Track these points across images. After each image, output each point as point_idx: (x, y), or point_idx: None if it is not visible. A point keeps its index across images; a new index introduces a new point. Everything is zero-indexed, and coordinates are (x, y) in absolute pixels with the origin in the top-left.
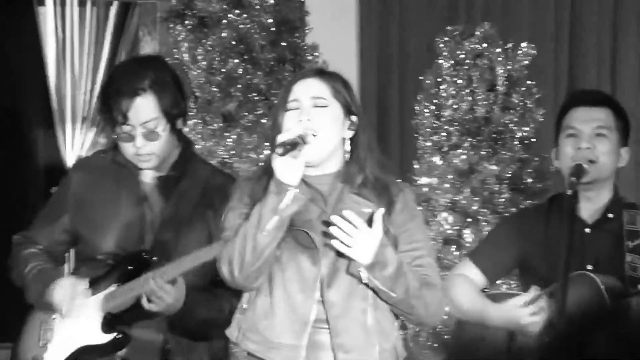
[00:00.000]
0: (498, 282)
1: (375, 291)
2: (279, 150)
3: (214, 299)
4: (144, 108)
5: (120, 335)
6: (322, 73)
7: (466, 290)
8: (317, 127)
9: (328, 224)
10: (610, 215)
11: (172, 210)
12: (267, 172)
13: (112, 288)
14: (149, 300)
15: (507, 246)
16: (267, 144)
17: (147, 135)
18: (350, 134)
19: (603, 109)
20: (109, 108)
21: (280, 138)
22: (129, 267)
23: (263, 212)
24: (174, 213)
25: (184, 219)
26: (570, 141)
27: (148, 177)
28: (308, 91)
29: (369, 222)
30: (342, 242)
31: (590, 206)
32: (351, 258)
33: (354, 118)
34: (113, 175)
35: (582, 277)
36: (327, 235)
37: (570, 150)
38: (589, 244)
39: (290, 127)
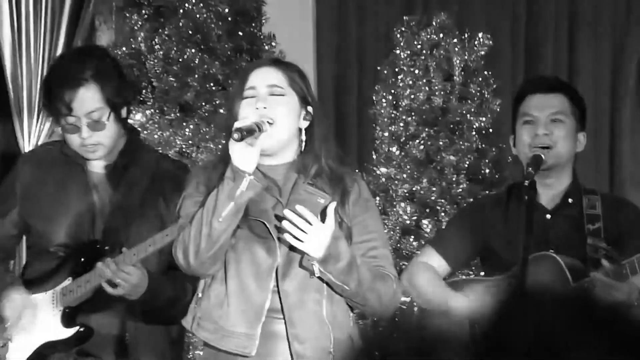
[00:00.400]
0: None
1: (328, 284)
2: (236, 135)
3: (176, 279)
4: (88, 98)
5: (82, 329)
6: (279, 62)
7: (429, 279)
8: (273, 115)
9: (281, 217)
10: (570, 201)
11: (121, 198)
12: (223, 160)
13: (67, 282)
14: (114, 285)
15: (469, 234)
16: (224, 133)
17: (92, 125)
18: (306, 124)
19: (558, 94)
20: (52, 100)
21: (237, 124)
22: (81, 259)
23: (219, 198)
24: (123, 201)
25: (134, 206)
26: (527, 128)
27: (96, 166)
28: (264, 80)
29: (323, 212)
30: (294, 236)
31: (550, 192)
32: (304, 252)
33: (309, 108)
34: (61, 166)
35: (543, 257)
36: (280, 229)
37: (527, 137)
38: (550, 230)
39: (247, 114)
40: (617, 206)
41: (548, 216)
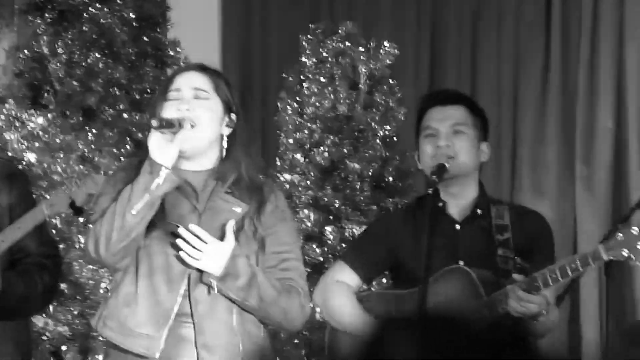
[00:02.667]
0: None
1: None
2: (154, 122)
3: (25, 274)
4: None
5: None
6: (206, 68)
7: (344, 304)
8: (196, 118)
9: (174, 235)
10: (479, 211)
11: None
12: (142, 162)
13: None
14: None
15: (379, 246)
16: (128, 138)
17: None
18: (228, 131)
19: (458, 106)
20: None
21: (159, 115)
22: None
23: (134, 190)
24: None
25: None
26: (429, 140)
27: None
28: (190, 83)
29: (240, 223)
30: (188, 255)
31: (458, 203)
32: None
33: (233, 116)
34: None
35: (455, 270)
36: (175, 246)
37: (430, 149)
38: (460, 241)
39: (170, 113)
40: (525, 216)
41: (457, 227)
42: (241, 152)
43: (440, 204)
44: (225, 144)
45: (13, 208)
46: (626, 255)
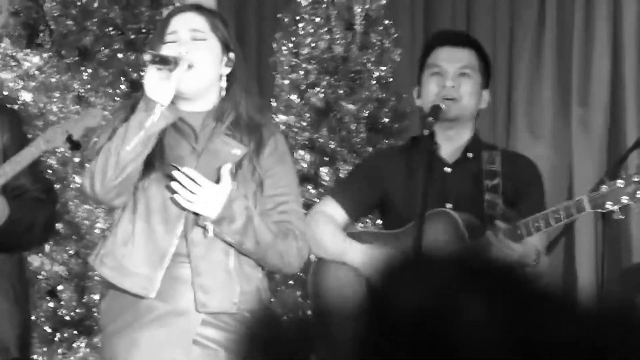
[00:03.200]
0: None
1: None
2: (147, 56)
3: (26, 206)
4: None
5: None
6: (201, 8)
7: (328, 230)
8: (194, 59)
9: (171, 177)
10: (470, 155)
11: None
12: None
13: None
14: None
15: (369, 184)
16: (123, 78)
17: None
18: (227, 70)
19: (467, 49)
20: None
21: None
22: None
23: (129, 127)
24: None
25: None
26: (435, 79)
27: None
28: (186, 24)
29: (239, 165)
30: (183, 198)
31: (451, 145)
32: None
33: (231, 55)
34: None
35: (440, 213)
36: (171, 188)
37: (435, 88)
38: (449, 183)
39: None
40: (516, 163)
41: (447, 169)
42: (240, 91)
43: (434, 147)
44: (224, 84)
45: (7, 148)
46: (610, 208)
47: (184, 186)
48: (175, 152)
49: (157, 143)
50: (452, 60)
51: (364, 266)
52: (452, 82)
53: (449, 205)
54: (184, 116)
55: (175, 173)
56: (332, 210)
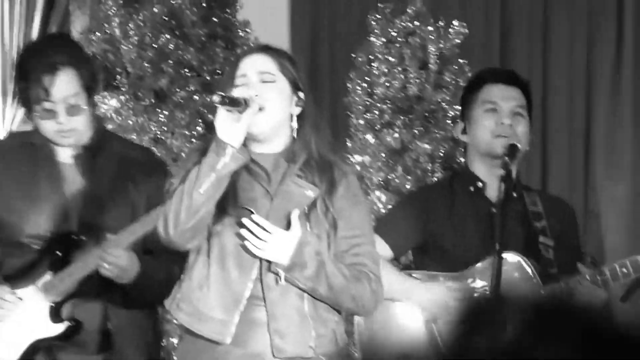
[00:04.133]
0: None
1: None
2: (215, 97)
3: (164, 261)
4: (66, 83)
5: (73, 323)
6: (269, 49)
7: (389, 267)
8: (264, 102)
9: (241, 224)
10: (515, 195)
11: (93, 187)
12: None
13: (48, 277)
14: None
15: (414, 220)
16: (199, 120)
17: (69, 110)
18: (298, 110)
19: (517, 88)
20: (30, 84)
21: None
22: (58, 252)
23: (201, 170)
24: (95, 190)
25: (106, 194)
26: (490, 116)
27: (63, 155)
28: (255, 66)
29: (311, 205)
30: (253, 245)
31: (497, 185)
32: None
33: (301, 94)
34: (27, 156)
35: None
36: (240, 236)
37: (491, 124)
38: (497, 224)
39: None
40: (556, 205)
41: (493, 210)
42: (311, 130)
43: (480, 185)
44: (295, 124)
45: (150, 197)
46: None
47: (253, 233)
48: (248, 194)
49: (230, 186)
50: (507, 99)
51: (433, 304)
52: (509, 120)
53: (497, 247)
54: (257, 158)
55: (244, 220)
56: (378, 248)
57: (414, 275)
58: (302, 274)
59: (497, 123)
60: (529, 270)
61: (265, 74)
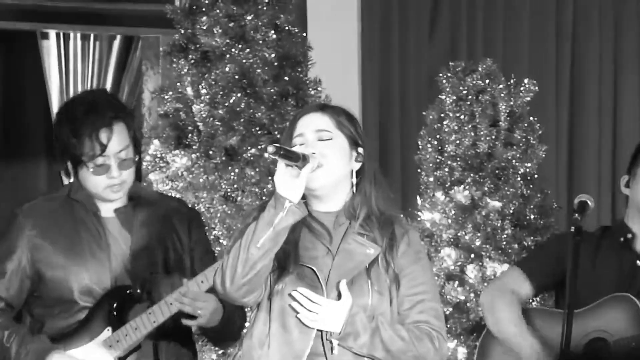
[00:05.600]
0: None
1: None
2: (271, 148)
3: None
4: (119, 137)
5: None
6: (325, 107)
7: (507, 307)
8: (322, 160)
9: (292, 297)
10: None
11: (140, 241)
12: None
13: (107, 332)
14: (191, 317)
15: (555, 260)
16: (270, 177)
17: (121, 164)
18: (358, 165)
19: None
20: (84, 141)
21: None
22: (114, 307)
23: (259, 224)
24: (142, 243)
25: (153, 246)
26: None
27: (106, 209)
28: (312, 125)
29: (372, 263)
30: (305, 317)
31: None
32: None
33: (360, 150)
34: (68, 213)
35: (622, 298)
36: (294, 309)
37: None
38: (638, 275)
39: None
40: None
41: (639, 262)
42: (370, 185)
43: (630, 236)
44: (354, 180)
45: (193, 249)
46: None
47: (304, 306)
48: (310, 253)
49: (291, 245)
50: None
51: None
52: None
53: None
54: (317, 216)
55: (294, 294)
56: (517, 282)
57: (531, 307)
58: (356, 343)
59: None
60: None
61: (323, 131)
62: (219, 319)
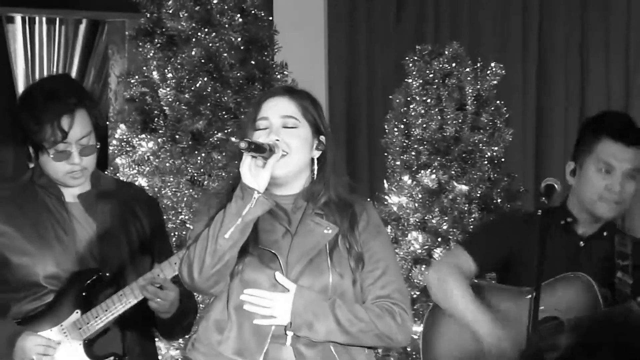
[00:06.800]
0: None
1: None
2: (242, 144)
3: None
4: (81, 123)
5: (115, 357)
6: (292, 91)
7: (458, 284)
8: (286, 147)
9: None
10: (605, 234)
11: (105, 225)
12: (235, 186)
13: (76, 314)
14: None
15: (500, 241)
16: (235, 161)
17: (83, 150)
18: (318, 153)
19: (636, 149)
20: (44, 127)
21: (248, 137)
22: (83, 290)
23: (226, 215)
24: (108, 228)
25: (117, 231)
26: (602, 177)
27: (69, 195)
28: (277, 110)
29: (331, 243)
30: (262, 316)
31: (589, 227)
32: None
33: (322, 138)
34: (32, 199)
35: (577, 278)
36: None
37: (601, 185)
38: (581, 255)
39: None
40: None
41: (581, 243)
42: (331, 172)
43: (570, 220)
44: (315, 166)
45: (154, 231)
46: None
47: (257, 304)
48: (270, 236)
49: (252, 228)
50: (624, 161)
51: (487, 344)
52: (619, 187)
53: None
54: (277, 199)
55: (243, 297)
56: (462, 261)
57: (481, 282)
58: (311, 332)
59: (607, 187)
60: (598, 294)
61: (288, 118)
62: (174, 311)
